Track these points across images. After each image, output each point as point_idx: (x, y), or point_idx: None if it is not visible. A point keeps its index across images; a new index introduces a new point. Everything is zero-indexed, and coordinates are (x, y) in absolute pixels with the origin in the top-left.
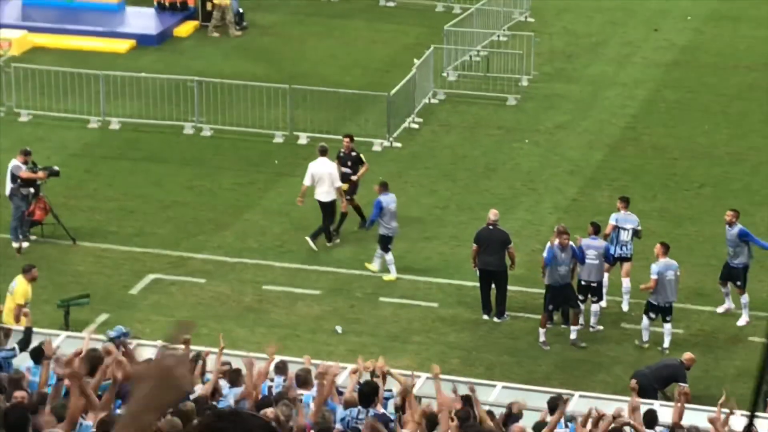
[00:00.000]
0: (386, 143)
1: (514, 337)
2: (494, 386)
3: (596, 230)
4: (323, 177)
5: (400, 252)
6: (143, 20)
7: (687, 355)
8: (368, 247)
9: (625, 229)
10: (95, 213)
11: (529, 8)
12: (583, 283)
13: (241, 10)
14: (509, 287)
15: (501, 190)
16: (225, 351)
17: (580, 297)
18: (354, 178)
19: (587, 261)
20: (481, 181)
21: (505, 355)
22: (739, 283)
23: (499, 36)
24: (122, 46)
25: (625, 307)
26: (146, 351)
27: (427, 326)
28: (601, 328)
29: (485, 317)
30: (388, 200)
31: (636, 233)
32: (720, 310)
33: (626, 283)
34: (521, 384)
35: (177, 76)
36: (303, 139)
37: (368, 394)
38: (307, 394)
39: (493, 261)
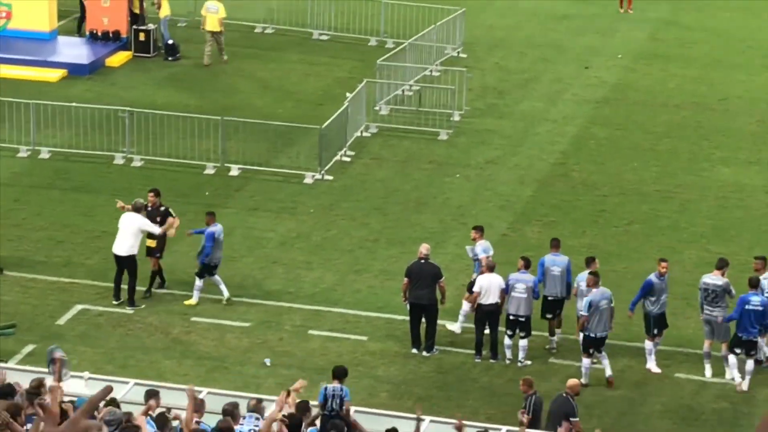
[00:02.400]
0: (318, 176)
1: (443, 371)
2: (422, 420)
3: (527, 264)
4: (120, 228)
5: (331, 284)
6: (75, 49)
7: (570, 382)
8: (300, 278)
9: (489, 256)
10: (23, 242)
11: (461, 44)
12: (511, 317)
13: (171, 41)
14: (439, 321)
15: (432, 224)
16: (153, 383)
17: (508, 332)
18: (159, 231)
19: (516, 294)
20: (412, 215)
21: (434, 389)
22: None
23: (431, 71)
24: (54, 75)
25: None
26: (73, 383)
27: (356, 360)
28: (529, 363)
29: (414, 351)
30: (218, 231)
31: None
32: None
33: (466, 306)
34: (449, 419)
35: (108, 106)
36: (234, 170)
37: (293, 425)
38: (237, 428)
39: (424, 295)
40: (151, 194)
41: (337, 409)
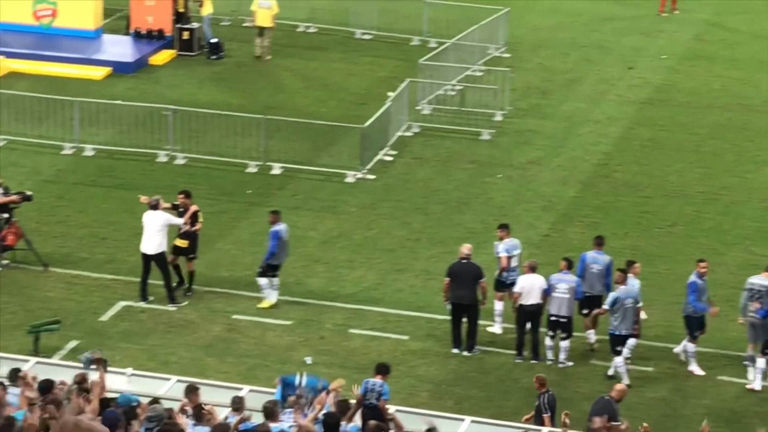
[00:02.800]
0: (359, 175)
1: (484, 371)
2: (462, 420)
3: (569, 265)
4: (145, 227)
5: (372, 283)
6: (120, 48)
7: (618, 387)
8: (342, 277)
9: (514, 255)
10: (67, 239)
11: (505, 44)
12: (552, 318)
13: (214, 40)
14: (480, 321)
15: (473, 224)
16: (195, 380)
17: (549, 333)
18: (194, 228)
19: (557, 295)
20: (453, 215)
21: (475, 390)
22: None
23: (474, 70)
24: (98, 73)
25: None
26: (116, 379)
27: (397, 359)
28: (570, 364)
29: (455, 351)
30: (283, 230)
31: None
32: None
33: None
34: (490, 419)
35: (152, 104)
36: (276, 169)
37: (332, 425)
38: (275, 426)
39: (465, 295)
40: (181, 195)
41: (375, 403)
